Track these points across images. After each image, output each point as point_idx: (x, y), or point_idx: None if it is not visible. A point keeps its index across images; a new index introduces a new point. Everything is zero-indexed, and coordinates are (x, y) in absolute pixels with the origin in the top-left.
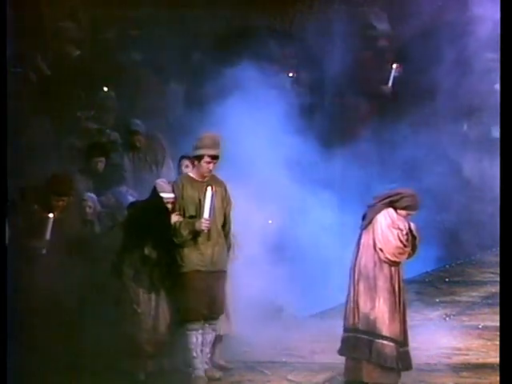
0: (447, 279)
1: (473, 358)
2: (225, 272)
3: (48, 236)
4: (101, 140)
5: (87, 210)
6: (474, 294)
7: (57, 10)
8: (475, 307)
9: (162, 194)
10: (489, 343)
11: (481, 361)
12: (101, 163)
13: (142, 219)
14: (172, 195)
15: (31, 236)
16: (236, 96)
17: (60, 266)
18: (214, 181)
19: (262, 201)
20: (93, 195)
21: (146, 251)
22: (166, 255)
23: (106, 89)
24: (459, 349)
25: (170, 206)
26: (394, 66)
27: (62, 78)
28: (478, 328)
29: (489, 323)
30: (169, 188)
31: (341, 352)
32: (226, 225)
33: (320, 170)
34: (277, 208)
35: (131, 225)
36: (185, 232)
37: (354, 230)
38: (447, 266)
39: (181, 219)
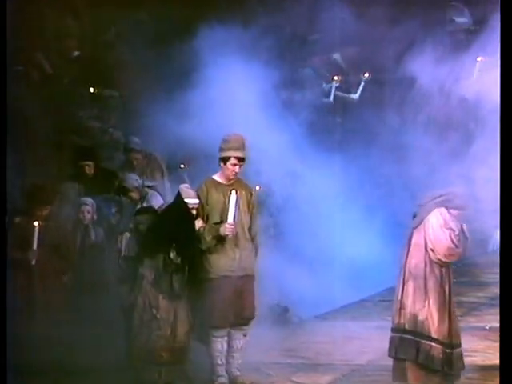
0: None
1: (479, 360)
2: (253, 276)
3: (35, 246)
4: (102, 140)
5: (85, 214)
6: (480, 294)
7: (58, 8)
8: (481, 308)
9: (187, 200)
10: (495, 344)
11: (487, 362)
12: (88, 167)
13: (166, 224)
14: (197, 201)
15: (18, 248)
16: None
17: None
18: (239, 184)
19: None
20: (92, 200)
21: (172, 255)
22: (190, 261)
23: (92, 89)
24: (465, 350)
25: (194, 211)
26: (479, 59)
27: (64, 76)
28: (485, 329)
29: (495, 324)
30: (193, 193)
31: (389, 353)
32: (251, 228)
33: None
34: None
35: (153, 229)
36: (208, 237)
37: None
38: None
39: (204, 225)
